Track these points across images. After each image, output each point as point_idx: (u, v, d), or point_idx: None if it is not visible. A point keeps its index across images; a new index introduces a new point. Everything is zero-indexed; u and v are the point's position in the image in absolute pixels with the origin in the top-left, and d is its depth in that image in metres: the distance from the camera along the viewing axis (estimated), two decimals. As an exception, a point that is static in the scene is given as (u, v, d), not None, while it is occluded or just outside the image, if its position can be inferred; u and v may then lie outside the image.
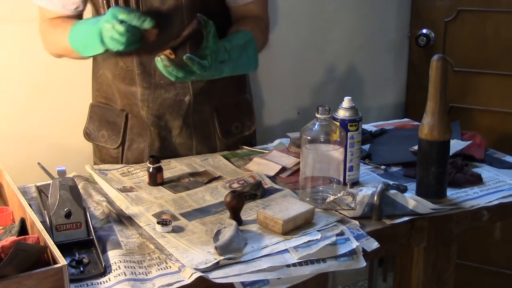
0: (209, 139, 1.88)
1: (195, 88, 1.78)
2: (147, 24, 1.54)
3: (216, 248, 1.33)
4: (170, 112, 1.81)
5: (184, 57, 1.53)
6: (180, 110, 1.81)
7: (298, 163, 1.68)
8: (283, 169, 1.77)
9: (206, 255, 1.32)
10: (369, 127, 2.16)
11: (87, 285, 1.24)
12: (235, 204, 1.45)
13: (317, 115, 1.56)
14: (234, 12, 1.83)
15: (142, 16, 1.54)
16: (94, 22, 1.63)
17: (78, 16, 1.82)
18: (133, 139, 1.86)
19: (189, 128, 1.84)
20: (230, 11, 1.83)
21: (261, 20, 1.83)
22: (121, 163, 1.87)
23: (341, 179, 1.61)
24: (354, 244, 1.40)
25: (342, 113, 1.64)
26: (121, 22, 1.54)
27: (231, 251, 1.32)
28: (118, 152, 1.87)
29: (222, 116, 1.88)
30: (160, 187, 1.67)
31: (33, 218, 1.30)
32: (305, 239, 1.39)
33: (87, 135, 1.93)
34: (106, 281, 1.25)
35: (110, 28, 1.55)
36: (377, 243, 1.43)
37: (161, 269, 1.30)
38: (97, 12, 1.77)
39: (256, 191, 1.61)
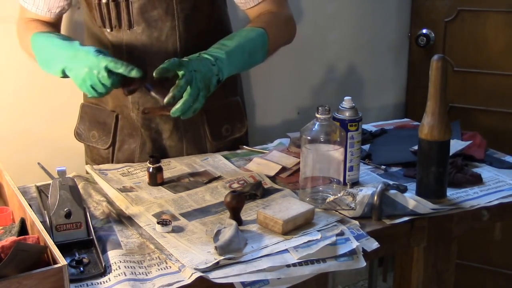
0: (200, 141, 1.87)
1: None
2: (134, 73, 1.52)
3: (216, 248, 1.32)
4: (160, 116, 1.80)
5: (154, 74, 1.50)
6: None
7: (298, 163, 1.68)
8: (283, 169, 1.77)
9: (206, 255, 1.32)
10: (369, 127, 2.16)
11: (87, 285, 1.24)
12: (235, 204, 1.45)
13: (317, 115, 1.56)
14: (248, 15, 1.83)
15: (129, 65, 1.52)
16: (66, 48, 1.61)
17: (59, 18, 1.83)
18: (123, 140, 1.85)
19: (180, 131, 1.84)
20: (249, 17, 1.83)
21: (276, 15, 1.80)
22: (112, 163, 1.86)
23: (341, 179, 1.61)
24: (354, 244, 1.40)
25: (342, 113, 1.64)
26: (108, 71, 1.53)
27: (231, 251, 1.32)
28: (108, 152, 1.87)
29: (212, 119, 1.87)
30: (160, 187, 1.67)
31: (33, 218, 1.30)
32: (305, 239, 1.39)
33: (78, 135, 1.92)
34: (106, 281, 1.25)
35: (94, 75, 1.53)
36: (377, 243, 1.43)
37: (161, 269, 1.30)
38: (90, 13, 1.76)
39: (256, 191, 1.61)
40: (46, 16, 1.79)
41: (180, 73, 1.52)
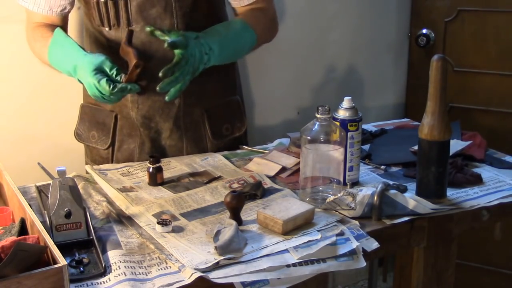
0: (200, 141, 1.87)
1: (185, 89, 1.77)
2: (133, 88, 1.56)
3: (216, 248, 1.33)
4: (160, 114, 1.80)
5: (160, 74, 1.52)
6: (170, 112, 1.80)
7: (298, 163, 1.69)
8: (283, 169, 1.77)
9: (206, 255, 1.32)
10: (369, 127, 2.16)
11: (87, 285, 1.24)
12: (235, 204, 1.45)
13: (317, 115, 1.56)
14: (238, 11, 1.84)
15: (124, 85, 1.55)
16: (72, 58, 1.63)
17: (63, 18, 1.82)
18: (123, 140, 1.85)
19: (180, 130, 1.84)
20: (236, 12, 1.84)
21: (266, 13, 1.83)
22: (111, 163, 1.86)
23: (341, 179, 1.61)
24: (354, 244, 1.40)
25: (342, 113, 1.64)
26: (107, 79, 1.54)
27: (231, 251, 1.33)
28: (108, 152, 1.87)
29: (212, 118, 1.87)
30: (160, 187, 1.67)
31: (33, 218, 1.30)
32: (305, 239, 1.39)
33: (78, 136, 1.92)
34: (106, 281, 1.25)
35: (94, 85, 1.55)
36: (377, 243, 1.43)
37: (161, 269, 1.30)
38: (88, 12, 1.76)
39: (256, 191, 1.61)
40: (48, 15, 1.77)
41: (181, 52, 1.53)
